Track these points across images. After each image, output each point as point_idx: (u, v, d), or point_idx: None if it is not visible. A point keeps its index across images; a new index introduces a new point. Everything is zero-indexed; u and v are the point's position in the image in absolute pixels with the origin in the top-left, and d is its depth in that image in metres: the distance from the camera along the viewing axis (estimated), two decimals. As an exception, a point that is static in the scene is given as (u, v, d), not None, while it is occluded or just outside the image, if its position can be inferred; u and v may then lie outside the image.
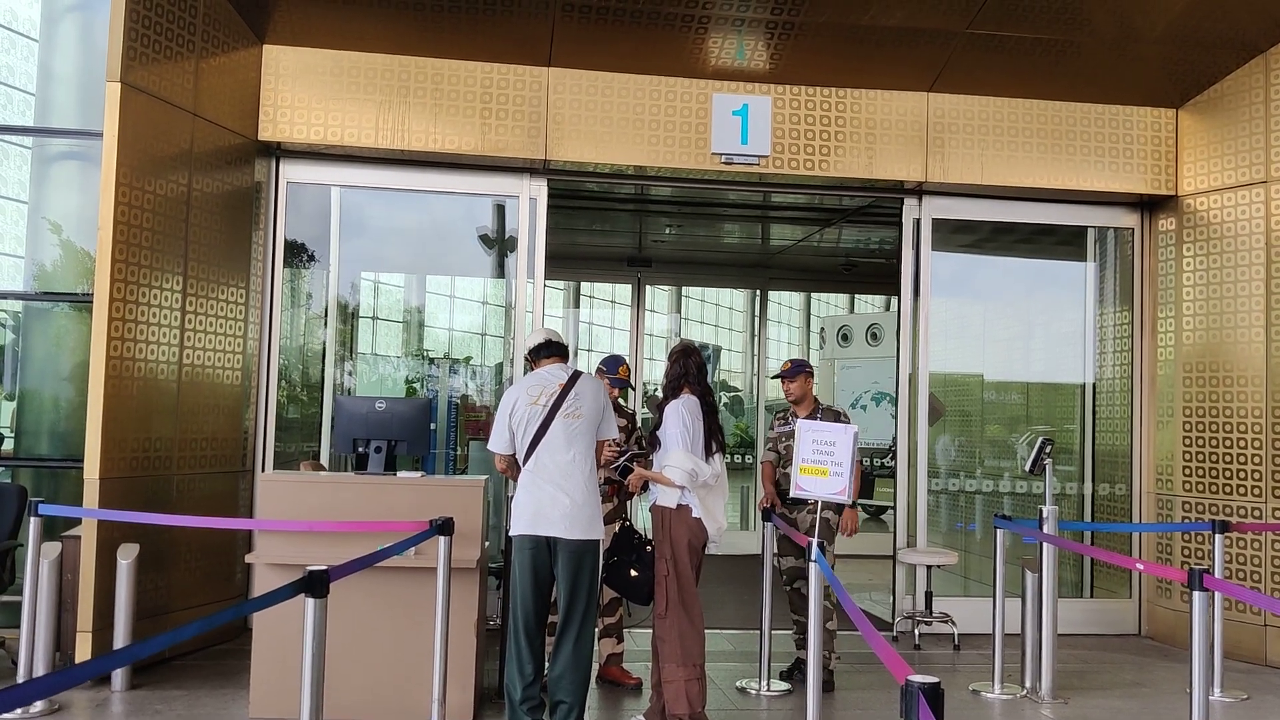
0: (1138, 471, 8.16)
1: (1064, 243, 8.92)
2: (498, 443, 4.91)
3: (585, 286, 16.03)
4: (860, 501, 6.58)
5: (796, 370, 6.38)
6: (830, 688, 6.19)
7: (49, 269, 7.17)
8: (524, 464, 4.82)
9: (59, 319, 7.07)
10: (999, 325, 9.41)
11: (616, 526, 5.74)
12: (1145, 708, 6.00)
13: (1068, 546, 6.48)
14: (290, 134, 7.16)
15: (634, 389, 6.40)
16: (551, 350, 5.05)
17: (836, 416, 6.53)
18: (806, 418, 6.27)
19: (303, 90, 7.17)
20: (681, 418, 5.06)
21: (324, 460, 7.55)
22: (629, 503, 6.20)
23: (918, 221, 8.04)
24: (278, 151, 7.40)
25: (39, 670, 5.47)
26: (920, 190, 7.95)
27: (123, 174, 5.95)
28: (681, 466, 5.00)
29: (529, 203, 7.62)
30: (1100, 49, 7.37)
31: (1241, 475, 7.39)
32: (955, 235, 8.48)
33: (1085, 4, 6.96)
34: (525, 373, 5.51)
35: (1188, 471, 7.72)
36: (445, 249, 9.33)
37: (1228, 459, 7.48)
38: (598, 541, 4.82)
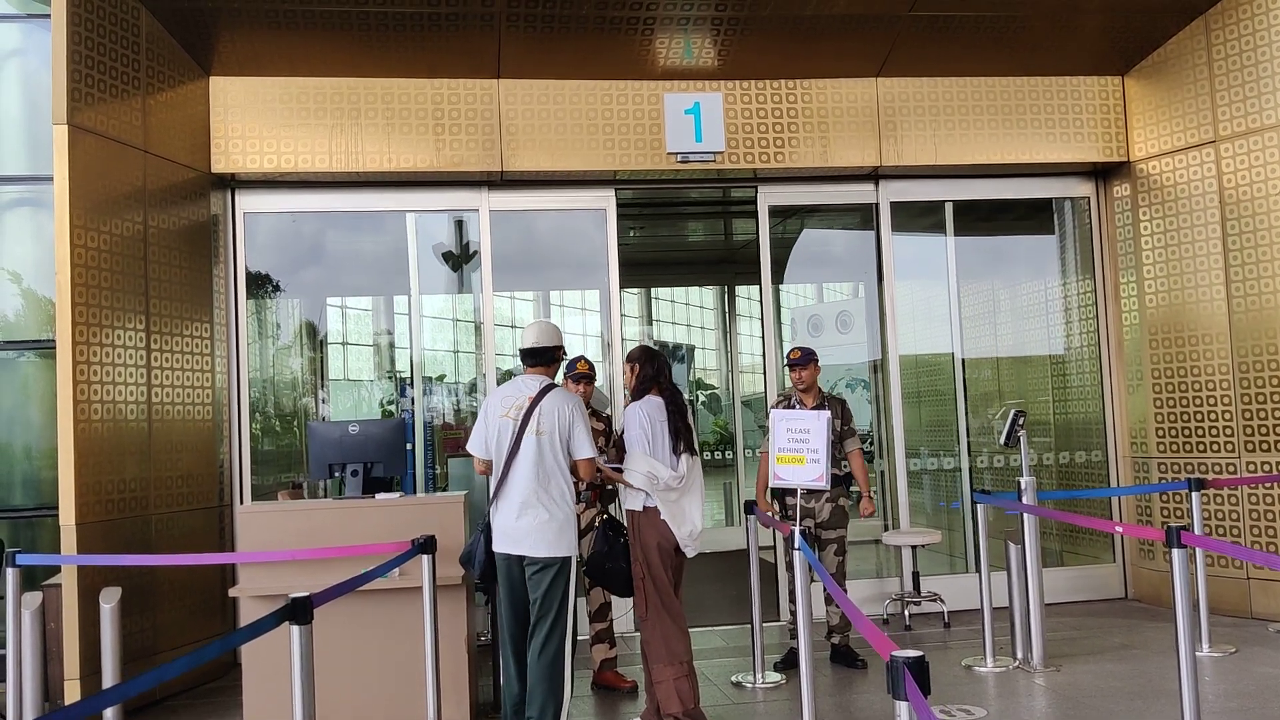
0: (1112, 437, 8.25)
1: (1023, 218, 9.00)
2: (474, 445, 4.95)
3: (555, 295, 16.00)
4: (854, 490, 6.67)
5: (807, 359, 6.45)
6: (864, 664, 6.37)
7: (11, 319, 7.11)
8: (498, 482, 4.81)
9: (25, 368, 7.01)
10: (966, 304, 9.46)
11: (596, 524, 5.75)
12: (1136, 669, 6.06)
13: (1048, 515, 6.53)
14: (243, 164, 7.13)
15: (594, 379, 6.29)
16: (535, 358, 4.97)
17: (843, 404, 6.59)
18: (814, 407, 6.31)
19: (253, 120, 7.15)
20: (639, 421, 5.06)
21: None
22: (610, 507, 6.21)
23: (876, 207, 8.11)
24: (232, 183, 7.37)
25: (28, 721, 5.41)
26: (876, 175, 8.00)
27: (77, 216, 5.91)
28: (638, 470, 5.01)
29: (488, 215, 7.65)
30: (1043, 22, 7.44)
31: (1214, 433, 7.48)
32: (919, 218, 8.54)
33: (1024, -21, 7.04)
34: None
35: (1161, 433, 7.81)
36: (409, 268, 9.29)
37: (1199, 418, 7.56)
38: (567, 559, 4.77)
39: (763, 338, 8.23)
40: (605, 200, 7.80)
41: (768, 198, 8.04)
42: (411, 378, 7.94)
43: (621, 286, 7.83)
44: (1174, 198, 7.72)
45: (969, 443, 8.44)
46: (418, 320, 7.86)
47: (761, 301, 8.22)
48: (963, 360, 8.54)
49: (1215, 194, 7.46)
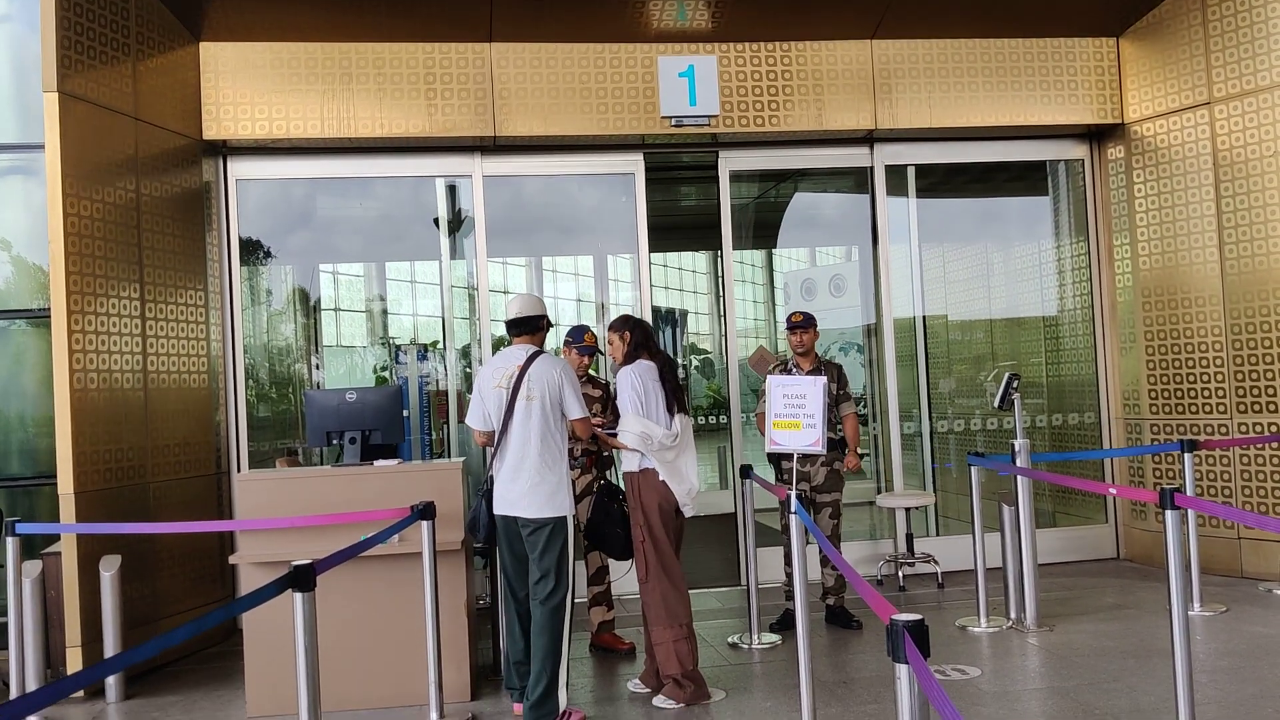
0: (1105, 398, 8.29)
1: (1017, 178, 8.99)
2: (472, 419, 5.07)
3: (547, 261, 15.97)
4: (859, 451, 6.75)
5: (808, 322, 6.49)
6: (860, 625, 6.43)
7: (2, 286, 7.08)
8: (495, 448, 4.92)
9: (17, 336, 6.98)
10: (960, 267, 9.48)
11: (595, 489, 5.79)
12: (1128, 629, 6.13)
13: (1041, 477, 6.58)
14: (235, 131, 7.08)
15: (604, 354, 6.38)
16: (520, 328, 5.05)
17: (839, 370, 6.62)
18: (810, 371, 6.35)
19: (244, 85, 7.09)
20: (632, 383, 5.12)
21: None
22: (608, 473, 6.24)
23: (871, 170, 8.09)
24: (224, 149, 7.32)
25: (31, 689, 5.44)
26: (871, 138, 7.98)
27: (69, 185, 5.87)
28: (632, 430, 5.06)
29: (481, 181, 7.62)
30: (1038, -17, 7.40)
31: (1206, 394, 7.52)
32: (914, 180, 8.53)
33: (1020, -61, 6.99)
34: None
35: (1153, 395, 7.85)
36: (402, 234, 9.27)
37: (1191, 379, 7.60)
38: (561, 518, 4.85)
39: (720, 302, 8.25)
40: (633, 165, 7.77)
41: (728, 163, 8.01)
42: (443, 343, 8.03)
43: (617, 251, 7.83)
44: (1168, 160, 7.71)
45: (930, 405, 8.55)
46: (449, 288, 7.97)
47: (722, 267, 8.24)
48: (924, 321, 8.61)
49: (1209, 156, 7.46)
